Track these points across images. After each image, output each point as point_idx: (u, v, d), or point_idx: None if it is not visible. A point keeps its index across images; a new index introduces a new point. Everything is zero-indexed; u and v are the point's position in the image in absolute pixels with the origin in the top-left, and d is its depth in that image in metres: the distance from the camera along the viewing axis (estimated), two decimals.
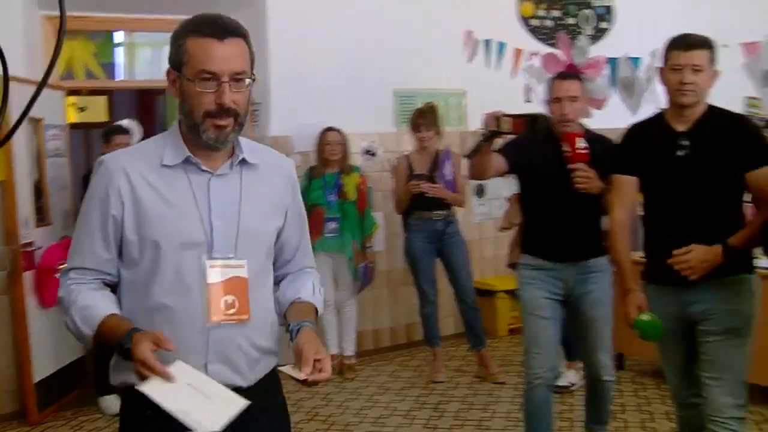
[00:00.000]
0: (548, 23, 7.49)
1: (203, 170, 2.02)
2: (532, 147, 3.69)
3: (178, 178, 2.01)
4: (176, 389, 1.81)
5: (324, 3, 6.13)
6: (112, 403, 5.13)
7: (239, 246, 2.03)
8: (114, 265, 2.03)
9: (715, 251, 2.94)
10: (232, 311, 2.00)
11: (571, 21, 7.61)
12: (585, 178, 3.53)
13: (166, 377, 1.81)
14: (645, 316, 3.05)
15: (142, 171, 2.00)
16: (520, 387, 4.45)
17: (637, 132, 3.29)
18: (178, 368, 1.84)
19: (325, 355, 1.98)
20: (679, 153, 3.10)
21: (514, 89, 6.30)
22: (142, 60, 6.91)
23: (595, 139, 3.71)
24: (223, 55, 1.91)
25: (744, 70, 5.72)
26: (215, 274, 1.99)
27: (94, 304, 1.97)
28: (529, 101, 6.19)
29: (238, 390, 1.92)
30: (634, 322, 3.06)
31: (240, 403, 1.83)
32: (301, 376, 1.91)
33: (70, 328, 1.99)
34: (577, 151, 3.56)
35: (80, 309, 1.96)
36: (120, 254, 2.03)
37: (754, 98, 6.85)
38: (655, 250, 3.19)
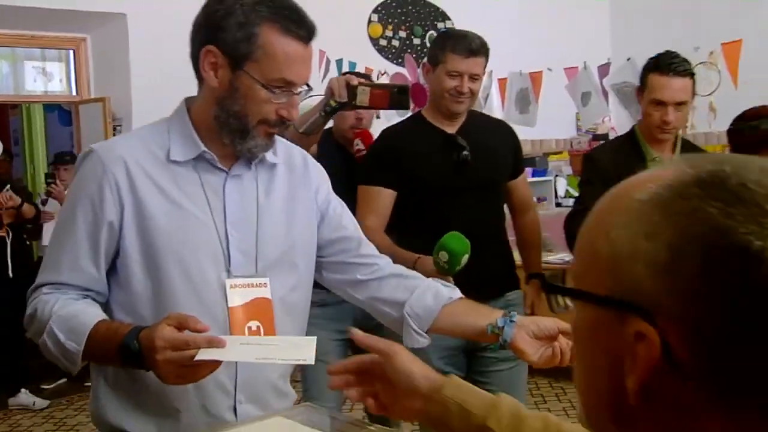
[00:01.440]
0: (395, 43, 8.00)
1: (218, 168, 1.68)
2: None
3: (188, 177, 1.65)
4: (237, 348, 1.47)
5: (183, 22, 6.37)
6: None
7: (260, 261, 1.68)
8: (103, 285, 1.64)
9: (535, 289, 2.97)
10: None
11: (416, 41, 8.15)
12: None
13: (217, 343, 1.40)
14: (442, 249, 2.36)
15: (145, 165, 1.63)
16: None
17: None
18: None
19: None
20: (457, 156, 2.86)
21: None
22: None
23: None
24: (306, 62, 1.62)
25: (567, 90, 6.41)
26: (236, 295, 1.64)
27: (78, 314, 1.55)
28: (378, 117, 6.66)
29: None
30: (442, 245, 2.35)
31: (310, 338, 1.54)
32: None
33: (50, 348, 1.55)
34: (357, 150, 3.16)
35: (63, 321, 1.54)
36: (111, 270, 1.64)
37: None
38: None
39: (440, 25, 8.26)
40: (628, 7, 8.04)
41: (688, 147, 3.09)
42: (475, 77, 2.85)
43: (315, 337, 1.51)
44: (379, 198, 2.85)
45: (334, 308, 2.84)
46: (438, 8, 7.93)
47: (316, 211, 1.82)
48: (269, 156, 1.73)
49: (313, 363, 1.42)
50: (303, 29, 1.58)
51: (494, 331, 1.62)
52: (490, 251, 2.82)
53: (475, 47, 2.83)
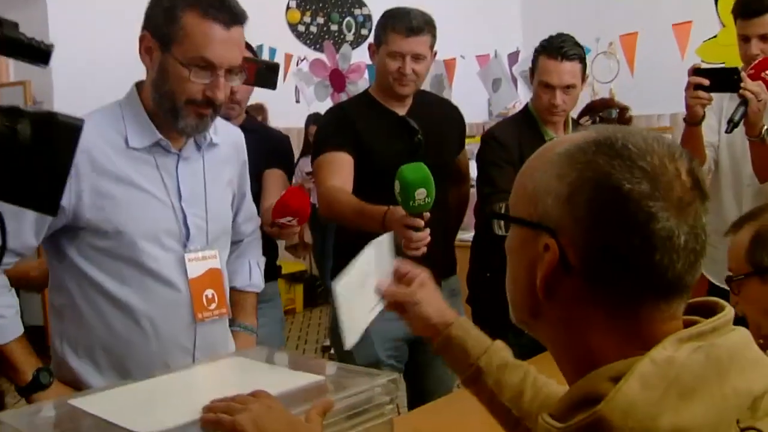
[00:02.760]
0: (313, 29, 8.16)
1: (170, 152, 1.82)
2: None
3: (145, 162, 1.78)
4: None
5: (104, 6, 6.41)
6: None
7: (210, 234, 1.87)
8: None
9: None
10: (213, 306, 1.84)
11: (334, 28, 8.33)
12: None
13: None
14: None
15: (107, 151, 1.74)
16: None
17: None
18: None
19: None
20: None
21: (284, 91, 6.90)
22: None
23: None
24: (226, 45, 1.70)
25: (479, 77, 6.70)
26: (193, 267, 1.81)
27: (6, 314, 1.74)
28: (298, 101, 6.84)
29: None
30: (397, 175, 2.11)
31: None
32: None
33: None
34: None
35: None
36: (67, 248, 1.77)
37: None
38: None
39: (356, 12, 8.44)
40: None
41: (576, 127, 3.14)
42: (418, 57, 2.68)
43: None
44: (338, 160, 2.66)
45: None
46: None
47: (234, 187, 2.02)
48: (213, 137, 1.88)
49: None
50: (223, 13, 1.69)
51: None
52: (441, 236, 2.71)
53: (416, 25, 2.66)
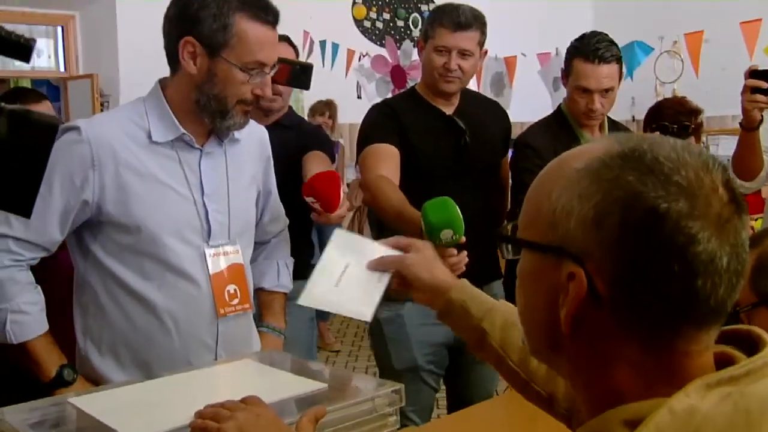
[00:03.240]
0: (379, 25, 8.17)
1: (193, 147, 1.84)
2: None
3: (168, 157, 1.80)
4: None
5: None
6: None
7: (232, 230, 1.88)
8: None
9: None
10: (235, 301, 1.85)
11: (400, 24, 8.33)
12: None
13: None
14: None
15: (130, 146, 1.76)
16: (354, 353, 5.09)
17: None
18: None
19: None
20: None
21: (347, 87, 6.94)
22: None
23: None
24: (274, 44, 1.78)
25: (540, 76, 6.61)
26: (215, 262, 1.83)
27: (30, 311, 1.75)
28: (360, 97, 6.87)
29: None
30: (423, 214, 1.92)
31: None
32: None
33: None
34: None
35: (16, 308, 1.74)
36: (91, 242, 1.79)
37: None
38: None
39: (423, 8, 8.42)
40: None
41: (614, 128, 3.02)
42: (465, 53, 2.62)
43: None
44: (385, 151, 2.57)
45: None
46: None
47: (258, 184, 2.03)
48: (236, 133, 1.89)
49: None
50: (270, 14, 1.75)
51: None
52: (482, 240, 2.67)
53: (464, 20, 2.60)
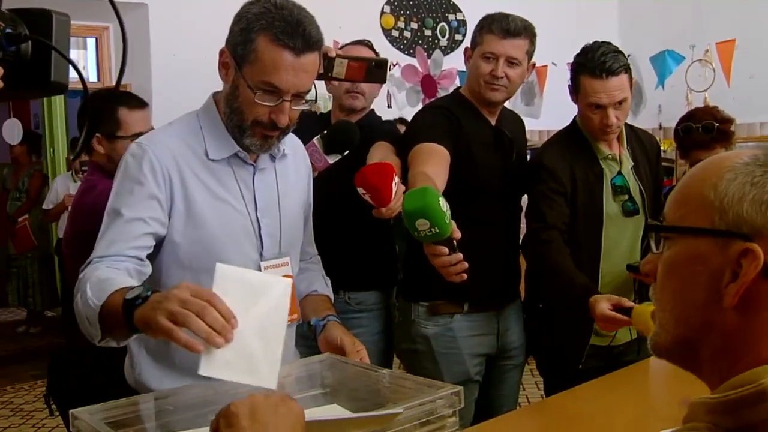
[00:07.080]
0: (407, 34, 8.19)
1: (247, 163, 1.88)
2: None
3: (225, 173, 1.85)
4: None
5: (202, 12, 6.61)
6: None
7: (283, 243, 1.93)
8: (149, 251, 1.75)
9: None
10: None
11: (428, 33, 8.34)
12: None
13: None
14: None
15: (190, 162, 1.81)
16: None
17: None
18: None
19: (362, 346, 1.88)
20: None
21: (377, 96, 6.95)
22: None
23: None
24: (294, 72, 1.71)
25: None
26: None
27: (113, 278, 1.59)
28: (390, 107, 6.89)
29: None
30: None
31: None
32: None
33: (78, 306, 1.59)
34: None
35: (96, 281, 1.58)
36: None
37: None
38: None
39: (451, 17, 8.43)
40: (635, 7, 8.16)
41: (633, 135, 2.90)
42: (513, 61, 2.57)
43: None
44: (436, 151, 2.44)
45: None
46: (449, 0, 8.09)
47: (306, 201, 2.08)
48: (284, 147, 1.94)
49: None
50: (296, 39, 1.69)
51: (310, 327, 1.99)
52: (502, 258, 2.72)
53: (514, 27, 2.56)
